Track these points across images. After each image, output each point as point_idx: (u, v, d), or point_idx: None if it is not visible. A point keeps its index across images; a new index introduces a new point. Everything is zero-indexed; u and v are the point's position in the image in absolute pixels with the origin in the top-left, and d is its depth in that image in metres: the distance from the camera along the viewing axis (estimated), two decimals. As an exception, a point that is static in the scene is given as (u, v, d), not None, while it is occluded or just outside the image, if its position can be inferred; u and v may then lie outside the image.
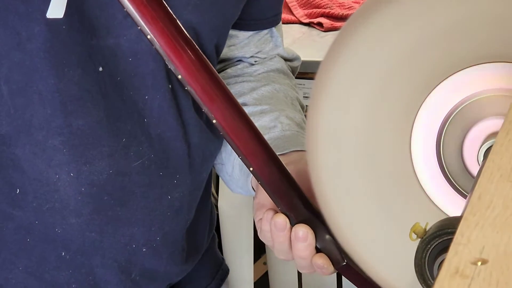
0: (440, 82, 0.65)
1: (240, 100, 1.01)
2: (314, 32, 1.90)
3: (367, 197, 0.68)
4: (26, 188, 0.87)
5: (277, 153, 0.83)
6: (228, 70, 1.08)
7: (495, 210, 0.40)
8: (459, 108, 0.65)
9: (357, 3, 1.96)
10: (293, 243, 0.80)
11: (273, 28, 1.09)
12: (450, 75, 0.64)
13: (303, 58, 1.20)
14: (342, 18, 1.87)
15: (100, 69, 0.85)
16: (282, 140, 0.94)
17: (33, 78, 0.83)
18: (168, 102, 0.90)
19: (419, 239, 0.56)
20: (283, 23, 1.27)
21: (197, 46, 0.76)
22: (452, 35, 0.62)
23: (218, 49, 0.98)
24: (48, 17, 0.81)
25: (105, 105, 0.86)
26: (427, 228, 0.56)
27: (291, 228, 0.80)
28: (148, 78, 0.88)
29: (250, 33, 1.06)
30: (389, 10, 0.61)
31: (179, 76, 0.75)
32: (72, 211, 0.88)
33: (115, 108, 0.87)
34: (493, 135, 0.63)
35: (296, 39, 1.83)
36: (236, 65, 1.09)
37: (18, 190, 0.87)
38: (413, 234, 0.56)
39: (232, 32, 1.03)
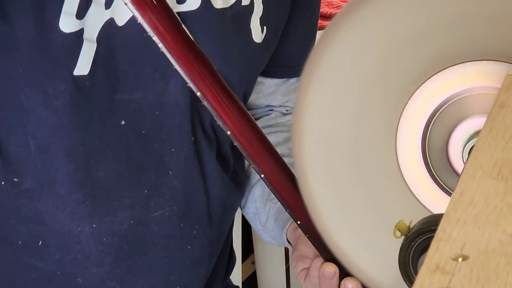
0: (425, 81, 0.65)
1: None
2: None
3: (353, 195, 0.68)
4: (48, 240, 0.88)
5: None
6: (261, 120, 1.08)
7: (476, 206, 0.40)
8: (444, 107, 0.65)
9: (345, 2, 1.96)
10: None
11: None
12: (435, 74, 0.64)
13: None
14: (330, 17, 1.87)
15: (123, 122, 0.87)
16: None
17: (59, 134, 0.85)
18: (193, 154, 0.91)
19: (403, 237, 0.56)
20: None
21: (241, 102, 0.77)
22: (437, 33, 0.62)
23: (246, 97, 0.99)
24: (75, 74, 0.82)
25: (126, 158, 0.88)
26: (411, 226, 0.56)
27: (339, 277, 0.81)
28: (174, 131, 0.89)
29: (277, 80, 1.06)
30: (373, 10, 0.61)
31: (228, 132, 0.76)
32: (93, 261, 0.89)
33: (137, 160, 0.88)
34: (478, 133, 0.64)
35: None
36: (269, 114, 1.09)
37: (40, 242, 0.89)
38: (397, 231, 0.56)
39: (259, 78, 1.03)
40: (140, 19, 0.72)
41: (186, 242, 0.93)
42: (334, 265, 0.81)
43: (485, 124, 0.49)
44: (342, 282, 0.81)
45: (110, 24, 0.83)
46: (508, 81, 0.55)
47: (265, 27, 0.93)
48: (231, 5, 0.89)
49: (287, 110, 1.08)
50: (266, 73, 1.03)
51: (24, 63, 0.82)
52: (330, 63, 0.64)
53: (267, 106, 1.08)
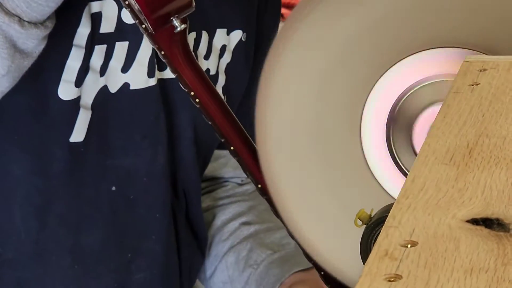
0: (388, 69, 0.65)
1: (243, 219, 1.04)
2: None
3: (318, 184, 0.68)
4: None
5: (299, 269, 0.91)
6: (218, 191, 1.09)
7: (427, 192, 0.40)
8: (408, 94, 0.65)
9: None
10: None
11: None
12: (399, 61, 0.64)
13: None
14: (291, 6, 1.86)
15: (113, 188, 0.89)
16: (301, 255, 0.95)
17: (52, 200, 0.86)
18: (171, 220, 0.94)
19: (365, 225, 0.56)
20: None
21: None
22: (399, 20, 0.62)
23: (204, 166, 1.02)
24: (71, 141, 0.84)
25: (114, 223, 0.90)
26: (372, 214, 0.56)
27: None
28: (160, 197, 0.92)
29: (226, 152, 1.07)
30: (330, 1, 0.61)
31: (259, 186, 0.78)
32: None
33: (123, 225, 0.91)
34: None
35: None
36: (226, 185, 1.10)
37: None
38: (358, 220, 0.56)
39: None
40: (180, 77, 0.76)
41: None
42: None
43: (439, 111, 0.49)
44: None
45: (103, 91, 0.85)
46: (465, 67, 0.55)
47: (225, 97, 0.97)
48: None
49: (242, 181, 1.09)
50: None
51: (20, 130, 0.84)
52: (291, 54, 0.64)
53: (221, 177, 1.10)
